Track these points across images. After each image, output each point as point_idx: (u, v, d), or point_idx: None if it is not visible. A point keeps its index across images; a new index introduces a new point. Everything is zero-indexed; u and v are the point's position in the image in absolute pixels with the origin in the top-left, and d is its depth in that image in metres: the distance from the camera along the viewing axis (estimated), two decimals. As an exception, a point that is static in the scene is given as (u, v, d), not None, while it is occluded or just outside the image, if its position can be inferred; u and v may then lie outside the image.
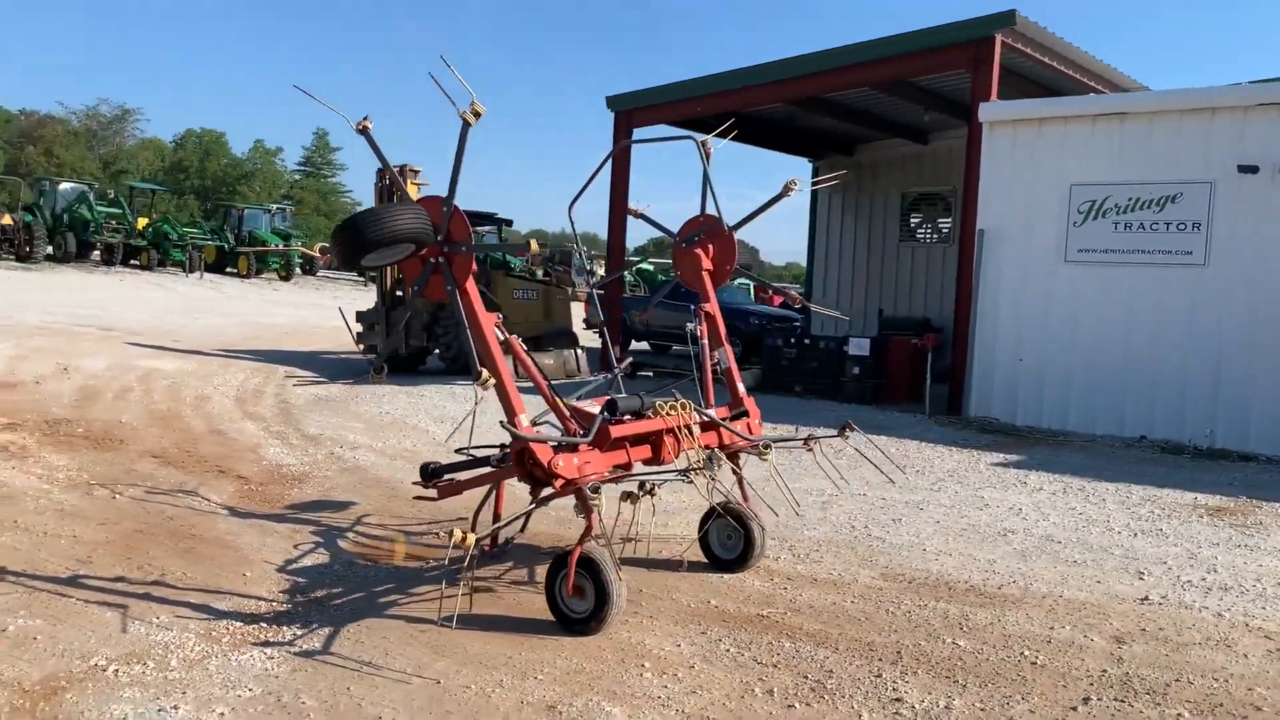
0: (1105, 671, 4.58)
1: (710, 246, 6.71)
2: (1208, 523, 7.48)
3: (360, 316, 17.00)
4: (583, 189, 6.83)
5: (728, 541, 6.09)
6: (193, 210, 71.52)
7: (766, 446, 5.96)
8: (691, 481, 5.48)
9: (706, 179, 6.73)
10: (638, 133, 16.63)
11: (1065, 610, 5.43)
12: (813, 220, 21.87)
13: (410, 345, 16.42)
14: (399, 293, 16.43)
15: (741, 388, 6.52)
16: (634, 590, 5.66)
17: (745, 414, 6.40)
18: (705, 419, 5.82)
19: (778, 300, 31.74)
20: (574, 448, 5.11)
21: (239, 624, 5.03)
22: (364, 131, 5.03)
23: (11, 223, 31.74)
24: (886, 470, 7.04)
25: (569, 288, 19.59)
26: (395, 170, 6.26)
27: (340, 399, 13.32)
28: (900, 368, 14.45)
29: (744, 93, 15.99)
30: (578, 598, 4.97)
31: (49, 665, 4.43)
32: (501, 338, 5.38)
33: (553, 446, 4.99)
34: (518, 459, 4.96)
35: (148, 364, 15.09)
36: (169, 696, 4.15)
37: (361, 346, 16.94)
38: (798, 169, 22.49)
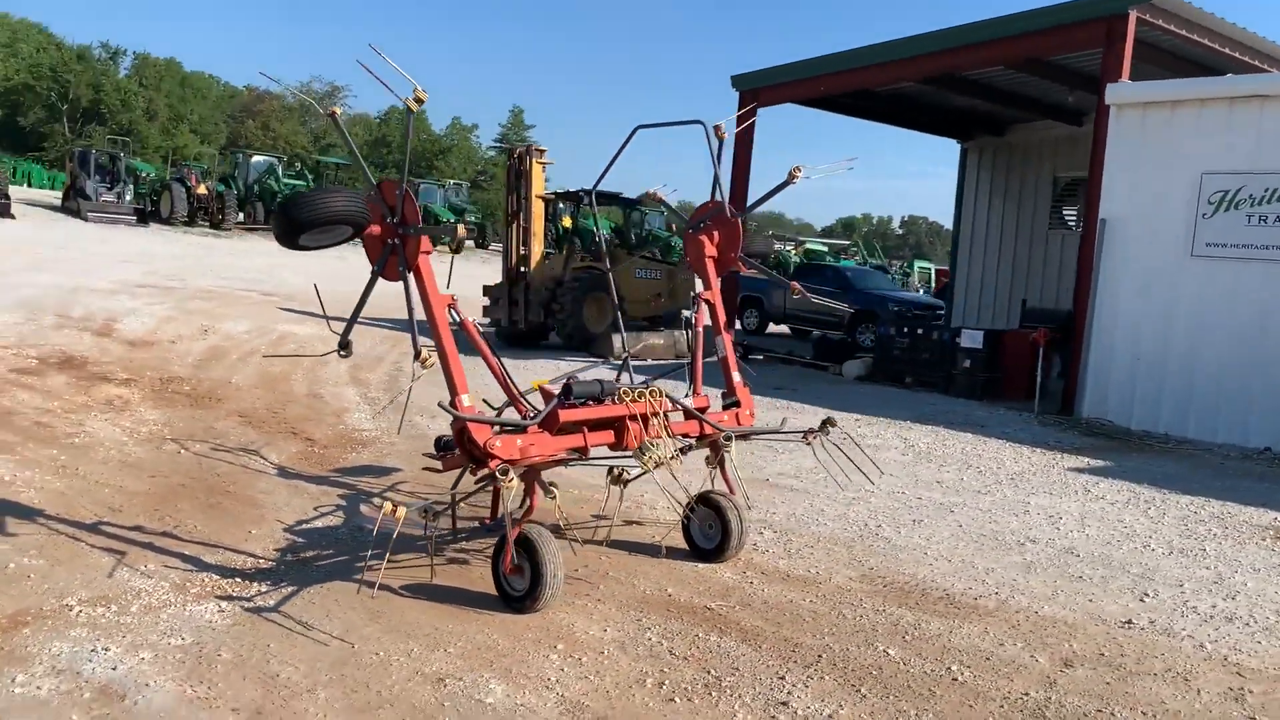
0: (1026, 695, 4.32)
1: (715, 233, 6.62)
2: (1266, 547, 6.86)
3: (486, 291, 17.56)
4: (603, 173, 6.88)
5: (709, 531, 6.05)
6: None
7: (728, 438, 5.86)
8: (645, 469, 5.46)
9: (716, 163, 6.64)
10: (761, 112, 16.41)
11: (1031, 627, 5.13)
12: (959, 203, 21.03)
13: (529, 320, 16.83)
14: (522, 269, 16.86)
15: (737, 377, 6.44)
16: (598, 573, 5.72)
17: (736, 404, 6.31)
18: (675, 407, 5.78)
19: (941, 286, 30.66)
20: (522, 429, 5.20)
21: (215, 577, 5.37)
22: (331, 116, 5.24)
23: (206, 192, 34.36)
24: (866, 470, 6.78)
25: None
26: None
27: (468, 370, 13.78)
28: (1018, 362, 13.77)
29: (871, 70, 15.53)
30: (517, 576, 5.07)
31: (26, 602, 4.86)
32: (456, 319, 5.48)
33: (494, 428, 5.09)
34: (458, 438, 5.09)
35: (286, 328, 16.07)
36: (109, 638, 4.50)
37: (487, 319, 17.53)
38: (946, 150, 21.69)
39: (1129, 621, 5.27)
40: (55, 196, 34.84)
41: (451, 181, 42.86)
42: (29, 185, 50.07)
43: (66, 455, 7.54)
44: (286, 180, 35.76)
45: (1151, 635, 5.09)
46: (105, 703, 3.92)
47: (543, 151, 16.86)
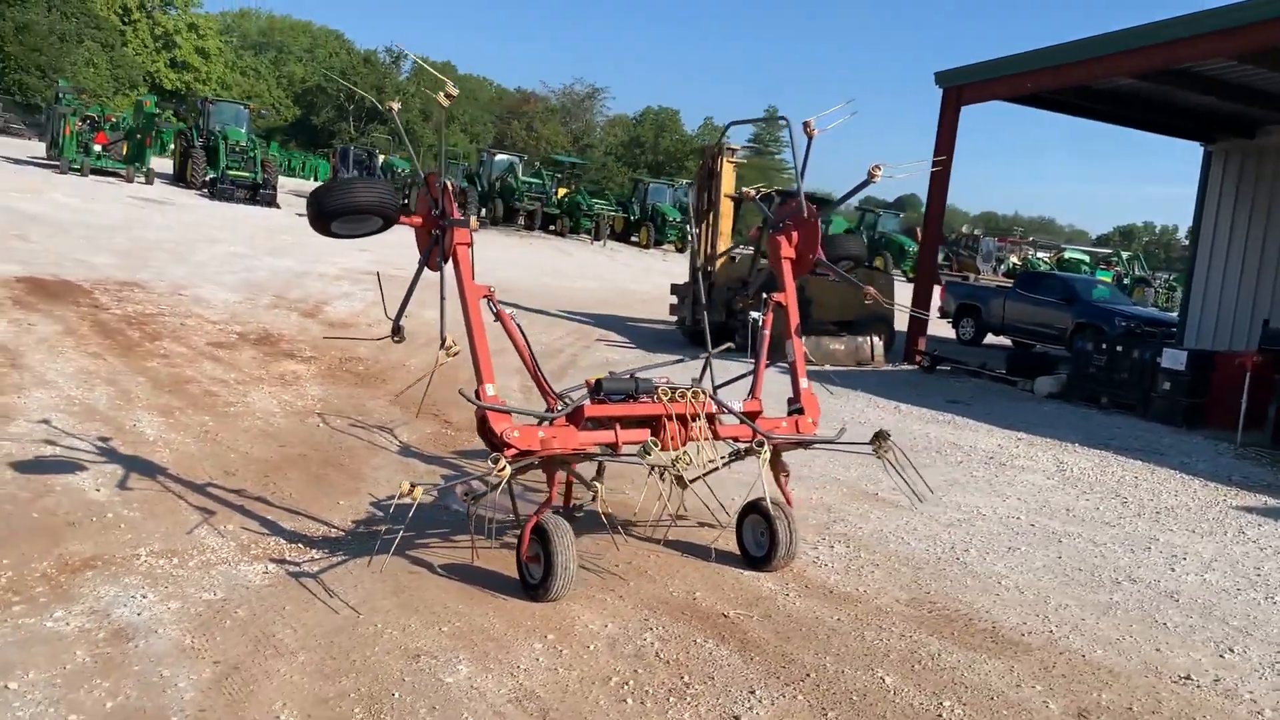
0: (1009, 741, 3.97)
1: (794, 234, 6.43)
2: None
3: (674, 289, 17.72)
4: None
5: (760, 539, 5.90)
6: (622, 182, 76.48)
7: (760, 444, 5.66)
8: (672, 469, 5.38)
9: (799, 160, 6.45)
10: (964, 110, 15.66)
11: (1066, 670, 4.69)
12: (1199, 212, 19.20)
13: (710, 320, 16.80)
14: (709, 268, 16.89)
15: (804, 383, 6.23)
16: (637, 570, 5.71)
17: (800, 411, 6.10)
18: (720, 409, 5.67)
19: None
20: (546, 422, 5.27)
21: (282, 542, 5.77)
22: (389, 110, 5.49)
23: (452, 187, 36.36)
24: (918, 490, 6.35)
25: (891, 273, 18.85)
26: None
27: (623, 364, 14.06)
28: (1228, 387, 12.46)
29: (1088, 65, 14.44)
30: (535, 565, 5.15)
31: (105, 548, 5.41)
32: (494, 310, 5.60)
33: (515, 419, 5.19)
34: (480, 426, 5.22)
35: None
36: (153, 587, 4.94)
37: (675, 318, 17.70)
38: (1187, 153, 19.86)
39: (1187, 677, 4.71)
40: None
41: (685, 182, 43.39)
42: (315, 179, 55.02)
43: (215, 422, 8.27)
44: (524, 179, 37.45)
45: (1205, 694, 4.54)
46: (112, 643, 4.31)
47: (734, 151, 16.82)
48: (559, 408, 5.47)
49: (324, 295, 16.45)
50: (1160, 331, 19.43)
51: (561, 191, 38.33)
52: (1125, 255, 51.14)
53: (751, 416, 5.89)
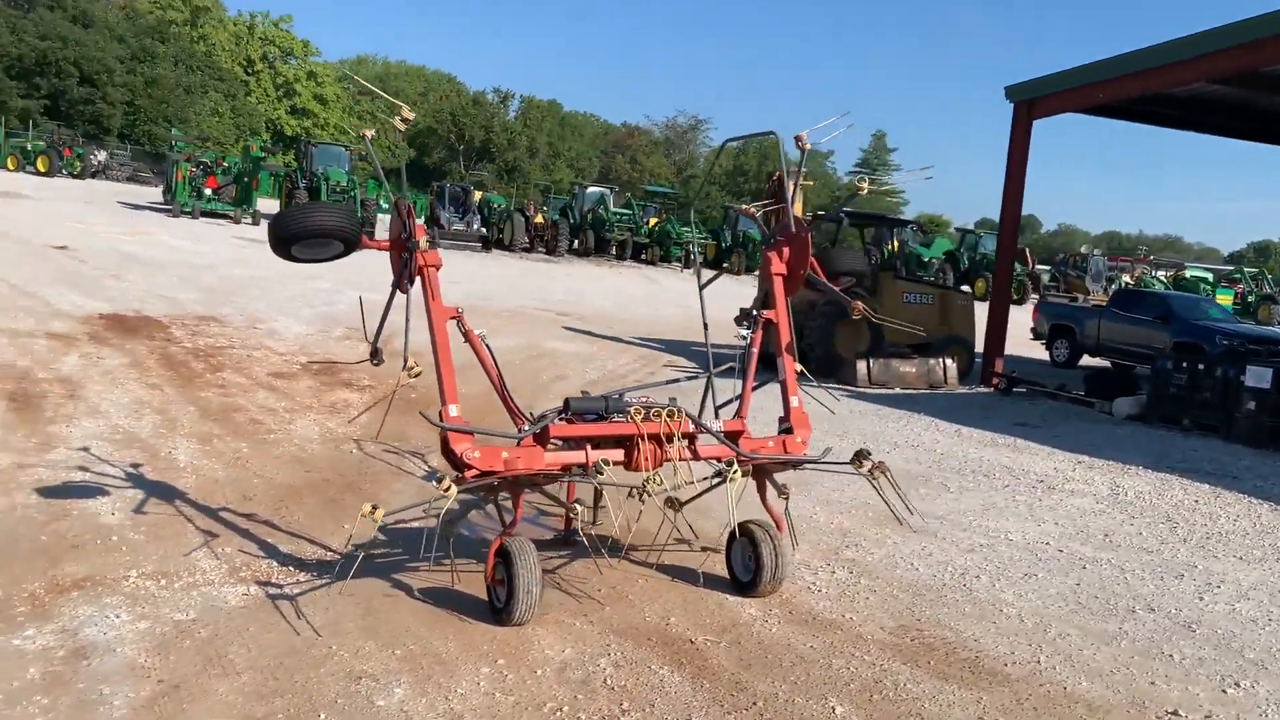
0: (947, 777, 3.73)
1: (785, 250, 6.27)
2: None
3: (741, 312, 17.54)
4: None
5: (748, 563, 5.72)
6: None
7: (730, 464, 5.47)
8: (646, 490, 5.26)
9: (786, 176, 6.30)
10: (1073, 126, 15.16)
11: (1039, 703, 4.40)
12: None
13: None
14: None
15: (795, 401, 6.03)
16: (618, 594, 5.61)
17: (789, 430, 5.92)
18: (696, 429, 5.53)
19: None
20: (515, 442, 5.23)
21: (273, 564, 5.86)
22: (362, 137, 5.57)
23: (542, 221, 37.11)
24: (898, 511, 6.04)
25: (968, 296, 18.27)
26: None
27: (686, 389, 13.92)
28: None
29: (1166, 71, 13.84)
30: (500, 588, 5.10)
31: (98, 569, 5.56)
32: (463, 331, 5.60)
33: (478, 440, 5.16)
34: (443, 447, 5.21)
35: (554, 345, 16.97)
36: (130, 608, 5.05)
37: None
38: (1272, 159, 18.80)
39: (1175, 713, 4.37)
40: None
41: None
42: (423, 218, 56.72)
43: (250, 448, 8.48)
44: (615, 210, 37.75)
45: (1185, 731, 4.19)
46: (67, 661, 4.42)
47: (803, 173, 16.62)
48: (525, 429, 5.42)
49: (398, 327, 16.78)
50: (1265, 350, 18.38)
51: (652, 221, 38.51)
52: (1250, 272, 48.58)
53: (734, 436, 5.73)
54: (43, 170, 45.70)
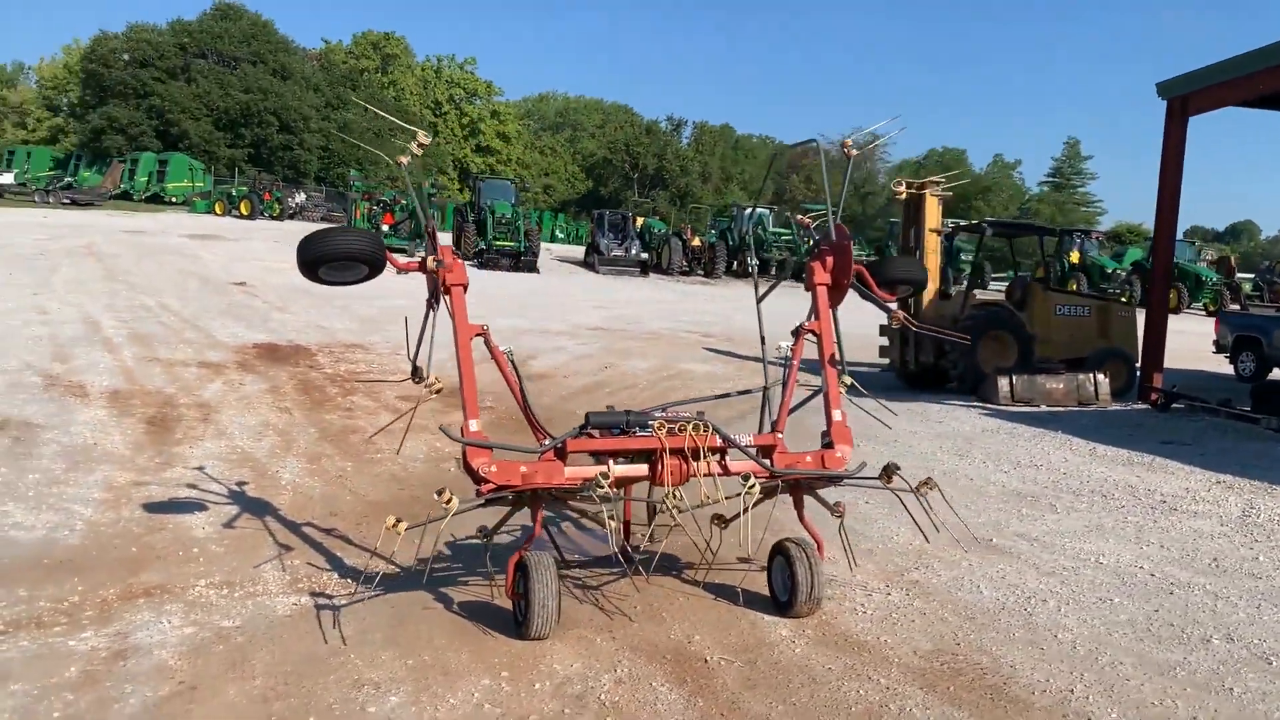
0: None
1: (828, 259, 6.09)
2: None
3: (883, 330, 17.09)
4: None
5: (786, 582, 5.56)
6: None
7: (746, 478, 5.31)
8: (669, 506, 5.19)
9: (830, 183, 6.13)
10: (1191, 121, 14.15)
11: (1052, 736, 4.07)
12: None
13: (919, 361, 16.05)
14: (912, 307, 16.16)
15: (837, 415, 5.84)
16: (650, 611, 5.57)
17: (830, 445, 5.72)
18: (724, 443, 5.42)
19: None
20: (536, 456, 5.28)
21: (335, 577, 6.10)
22: (398, 164, 5.73)
23: (699, 244, 37.26)
24: (924, 529, 5.67)
25: (1131, 305, 17.14)
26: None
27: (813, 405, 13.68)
28: None
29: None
30: (521, 601, 5.14)
31: (173, 578, 5.94)
32: (490, 348, 5.69)
33: (496, 455, 5.23)
34: (464, 460, 5.30)
35: (689, 366, 16.98)
36: (186, 614, 5.38)
37: (888, 360, 17.05)
38: None
39: (1205, 748, 3.96)
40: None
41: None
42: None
43: (354, 467, 8.88)
44: (773, 230, 37.50)
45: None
46: (107, 661, 4.74)
47: (938, 183, 16.11)
48: (546, 443, 5.46)
49: (533, 350, 17.18)
50: None
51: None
52: None
53: (767, 451, 5.60)
54: (245, 213, 49.30)
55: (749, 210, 38.49)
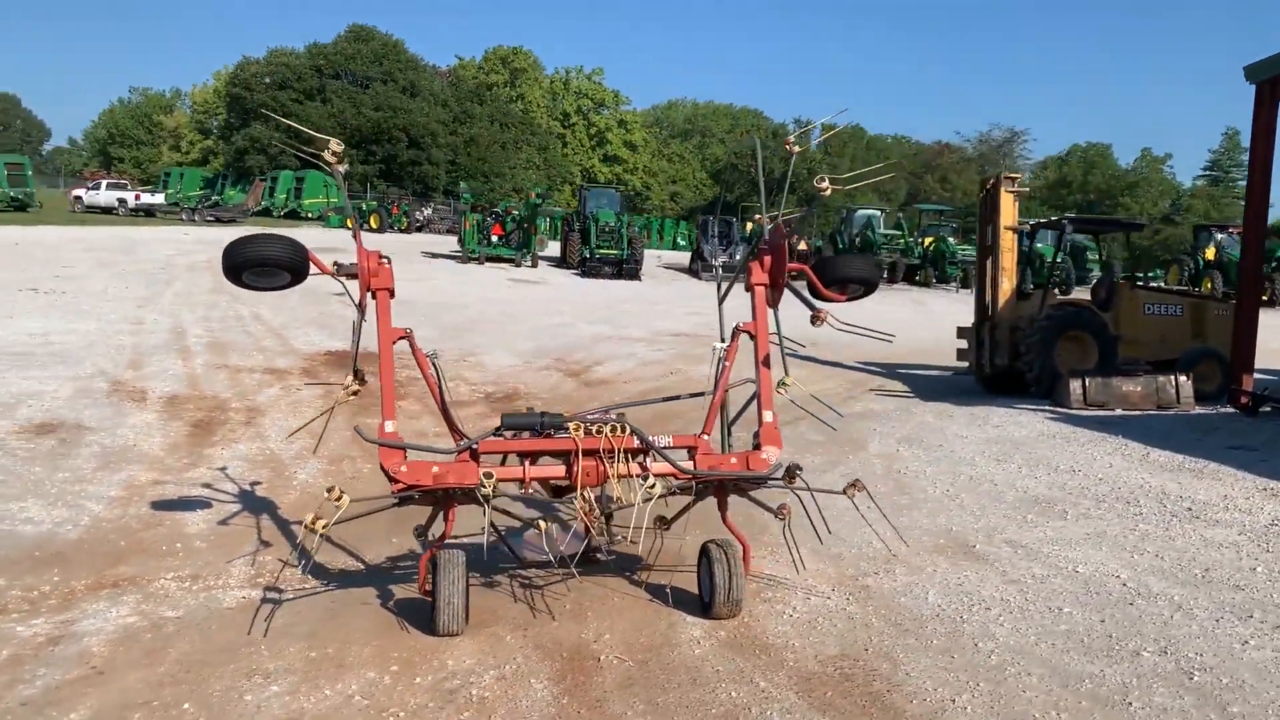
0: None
1: (766, 259, 5.98)
2: None
3: (961, 332, 16.56)
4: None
5: (709, 583, 5.50)
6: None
7: (645, 477, 5.24)
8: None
9: (761, 182, 6.02)
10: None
11: (901, 746, 3.92)
12: None
13: (994, 364, 15.48)
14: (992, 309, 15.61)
15: (768, 416, 5.73)
16: (575, 611, 5.60)
17: (758, 446, 5.62)
18: (641, 444, 5.40)
19: None
20: (451, 457, 5.37)
21: (295, 572, 6.30)
22: (332, 162, 5.78)
23: (806, 248, 36.68)
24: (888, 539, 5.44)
25: (1228, 302, 16.07)
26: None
27: (884, 414, 13.40)
28: None
29: None
30: (430, 599, 5.25)
31: (146, 570, 6.25)
32: (413, 350, 5.80)
33: (412, 456, 5.34)
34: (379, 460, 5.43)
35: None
36: (139, 605, 5.66)
37: (967, 363, 16.52)
38: None
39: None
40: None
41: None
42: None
43: (373, 469, 9.04)
44: (884, 232, 36.70)
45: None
46: (39, 647, 5.04)
47: (1014, 179, 15.54)
48: (461, 444, 5.54)
49: (604, 356, 17.33)
50: None
51: (927, 241, 37.05)
52: None
53: (691, 452, 5.56)
54: (374, 227, 51.22)
55: (858, 212, 37.82)
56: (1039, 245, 31.77)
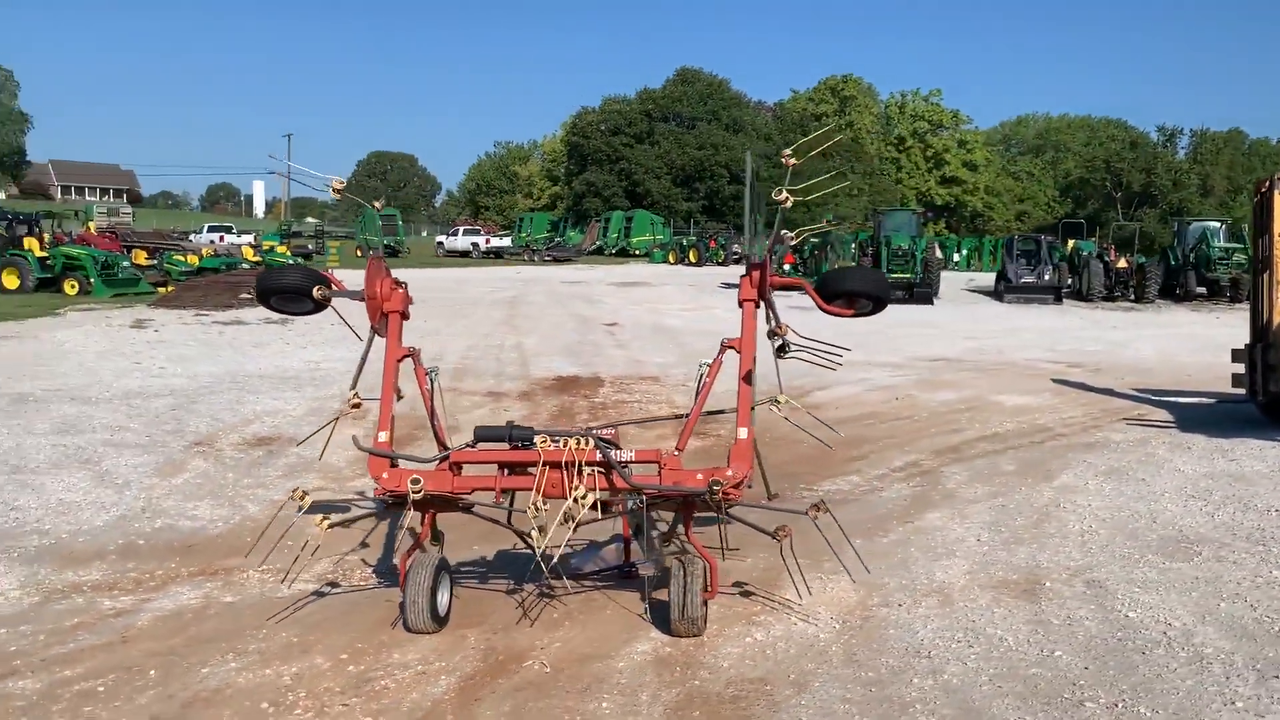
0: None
1: (754, 274, 5.86)
2: None
3: (1235, 355, 14.58)
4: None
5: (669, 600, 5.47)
6: None
7: (582, 493, 5.24)
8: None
9: (749, 200, 5.85)
10: None
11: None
12: None
13: (1268, 390, 13.46)
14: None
15: (742, 433, 5.61)
16: (557, 618, 5.79)
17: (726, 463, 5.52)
18: (603, 458, 5.48)
19: None
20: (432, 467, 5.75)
21: (368, 572, 6.97)
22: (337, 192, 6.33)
23: (1126, 265, 33.40)
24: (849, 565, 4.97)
25: None
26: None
27: (1111, 444, 12.17)
28: None
29: None
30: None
31: (248, 562, 7.14)
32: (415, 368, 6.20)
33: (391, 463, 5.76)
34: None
35: (1004, 398, 15.58)
36: (219, 590, 6.51)
37: (1243, 389, 14.54)
38: None
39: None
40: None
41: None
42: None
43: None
44: (1223, 245, 32.72)
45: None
46: (105, 616, 5.94)
47: (1282, 179, 13.56)
48: (438, 454, 5.87)
49: (837, 379, 16.87)
50: None
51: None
52: None
53: (656, 464, 5.58)
54: (693, 261, 53.21)
55: (1191, 225, 34.14)
56: None
